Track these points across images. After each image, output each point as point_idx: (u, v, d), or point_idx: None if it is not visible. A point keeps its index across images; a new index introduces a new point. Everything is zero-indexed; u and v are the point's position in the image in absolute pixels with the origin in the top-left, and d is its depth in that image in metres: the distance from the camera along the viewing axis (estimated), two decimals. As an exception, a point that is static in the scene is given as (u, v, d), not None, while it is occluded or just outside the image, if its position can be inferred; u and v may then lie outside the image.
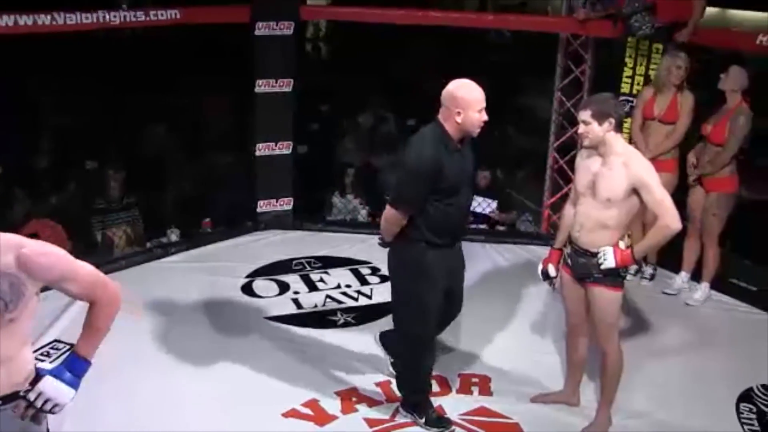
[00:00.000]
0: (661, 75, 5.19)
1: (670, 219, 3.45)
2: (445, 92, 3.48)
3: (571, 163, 5.85)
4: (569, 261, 3.72)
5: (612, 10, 5.59)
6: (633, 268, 3.56)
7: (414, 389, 3.89)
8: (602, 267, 3.53)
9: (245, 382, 4.18)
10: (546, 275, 3.88)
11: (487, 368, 4.36)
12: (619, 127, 3.54)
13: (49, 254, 2.29)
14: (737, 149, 4.89)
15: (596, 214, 3.54)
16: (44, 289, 2.34)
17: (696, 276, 5.33)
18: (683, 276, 5.37)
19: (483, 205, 6.40)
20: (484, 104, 3.45)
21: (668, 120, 5.16)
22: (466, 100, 3.42)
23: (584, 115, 3.50)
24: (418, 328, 3.73)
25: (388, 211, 3.58)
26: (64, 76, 7.18)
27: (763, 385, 4.30)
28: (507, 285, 5.37)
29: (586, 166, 3.61)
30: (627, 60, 5.65)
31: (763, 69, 5.78)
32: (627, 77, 5.68)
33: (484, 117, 3.46)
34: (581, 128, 3.53)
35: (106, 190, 5.96)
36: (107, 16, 5.18)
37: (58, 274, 2.31)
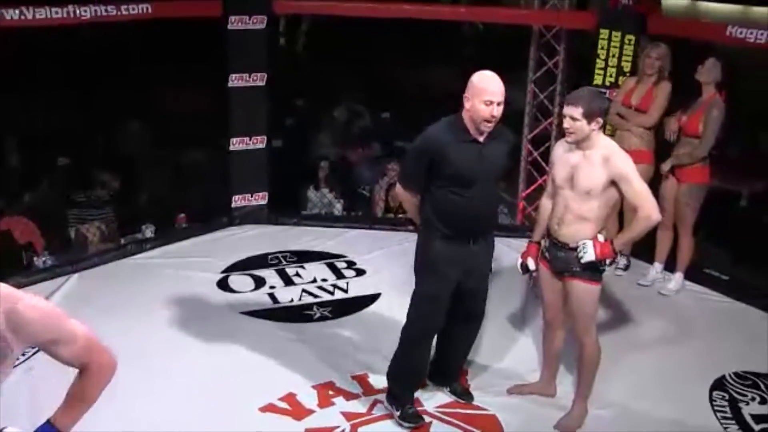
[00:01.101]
0: (640, 65, 5.26)
1: (649, 210, 3.48)
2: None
3: (545, 155, 5.91)
4: (547, 254, 3.73)
5: None
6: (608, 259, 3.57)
7: (397, 379, 3.88)
8: (582, 260, 3.54)
9: (221, 377, 4.16)
10: (525, 268, 3.88)
11: (464, 361, 4.37)
12: (603, 124, 3.55)
13: (43, 313, 2.02)
14: (713, 141, 4.93)
15: (575, 207, 3.55)
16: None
17: (669, 266, 5.39)
18: (657, 267, 5.42)
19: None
20: (495, 98, 3.37)
21: (643, 109, 5.21)
22: (475, 88, 3.40)
23: (574, 112, 3.46)
24: (416, 318, 3.73)
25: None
26: (35, 72, 7.11)
27: (735, 373, 4.36)
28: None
29: (565, 159, 3.60)
30: (599, 51, 5.67)
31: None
32: (600, 69, 5.70)
33: (494, 112, 3.38)
34: (567, 123, 3.50)
35: (95, 188, 5.92)
36: (77, 11, 5.11)
37: (51, 337, 2.05)
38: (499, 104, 3.40)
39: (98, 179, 6.13)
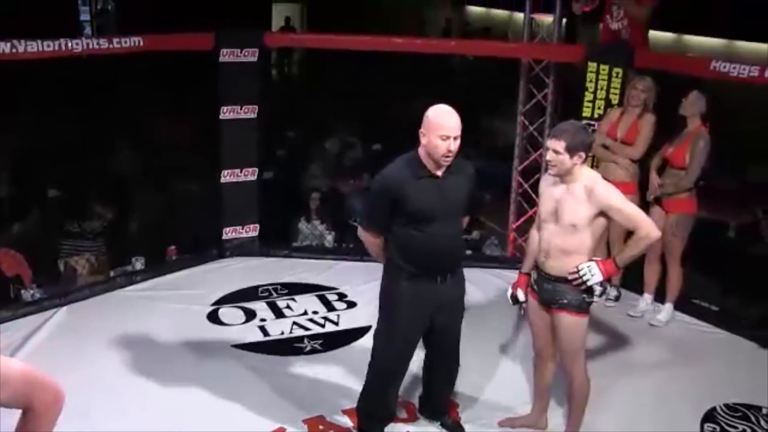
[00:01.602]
0: (625, 97, 5.33)
1: (647, 229, 3.50)
2: None
3: (535, 187, 5.93)
4: (535, 286, 3.74)
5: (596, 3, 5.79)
6: (598, 290, 3.57)
7: (367, 414, 3.87)
8: (590, 283, 3.51)
9: (212, 411, 4.13)
10: (515, 300, 3.88)
11: (455, 393, 4.34)
12: (587, 159, 3.55)
13: None
14: (699, 173, 4.98)
15: (560, 241, 3.56)
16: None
17: (659, 297, 5.40)
18: (647, 298, 5.43)
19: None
20: (451, 133, 3.35)
21: (629, 141, 5.27)
22: (431, 123, 3.37)
23: (557, 145, 3.48)
24: (384, 357, 3.70)
25: (359, 231, 3.67)
26: (28, 104, 7.13)
27: (725, 405, 4.36)
28: (474, 309, 5.36)
29: (550, 193, 3.62)
30: (588, 85, 5.73)
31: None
32: (588, 102, 5.75)
33: (450, 146, 3.36)
34: (551, 156, 3.52)
35: (88, 220, 5.90)
36: (69, 44, 5.14)
37: None
38: (455, 138, 3.37)
39: (93, 210, 6.08)
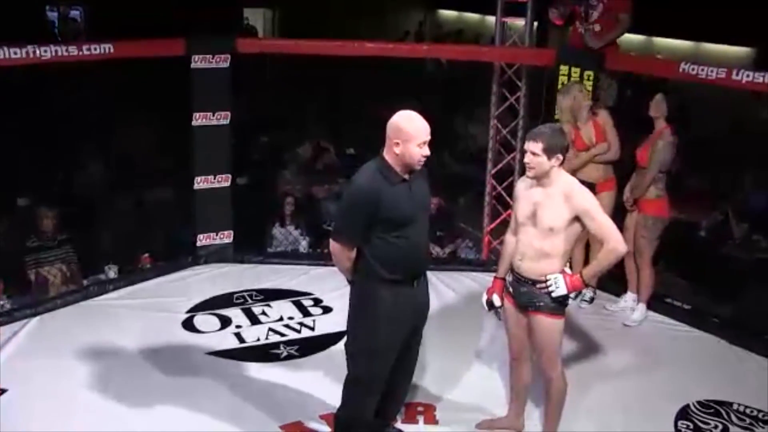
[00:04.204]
0: (572, 112, 5.38)
1: (615, 243, 3.52)
2: (388, 123, 3.41)
3: (509, 189, 5.98)
4: (511, 289, 3.75)
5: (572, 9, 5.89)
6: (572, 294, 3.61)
7: (346, 425, 3.79)
8: (554, 294, 3.55)
9: (187, 419, 4.10)
10: (491, 305, 3.89)
11: (432, 396, 4.37)
12: (563, 161, 3.57)
13: None
14: (656, 172, 5.06)
15: (538, 244, 3.58)
16: None
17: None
18: (629, 296, 5.49)
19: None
20: (426, 138, 3.37)
21: (601, 141, 5.36)
22: (406, 132, 3.36)
23: (534, 147, 3.51)
24: (366, 371, 3.62)
25: (331, 245, 3.54)
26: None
27: (699, 402, 4.42)
28: (449, 312, 5.40)
29: (527, 195, 3.63)
30: (560, 87, 5.77)
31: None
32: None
33: (426, 152, 3.38)
34: (528, 158, 3.54)
35: (39, 228, 5.80)
36: (38, 51, 5.08)
37: None
38: (429, 142, 3.40)
39: (39, 217, 5.93)
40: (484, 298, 3.91)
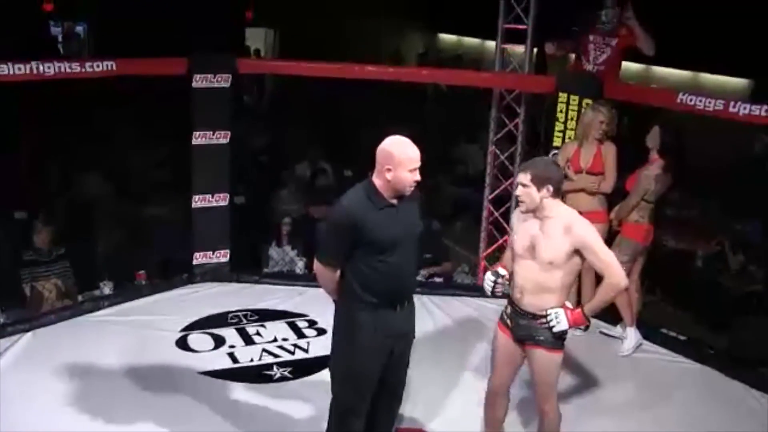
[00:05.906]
0: (585, 129, 5.40)
1: (617, 278, 3.49)
2: (378, 148, 3.41)
3: (506, 215, 5.99)
4: (509, 321, 3.69)
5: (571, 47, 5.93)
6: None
7: None
8: (555, 330, 3.51)
9: (178, 440, 4.07)
10: (496, 275, 3.77)
11: (420, 422, 4.34)
12: (557, 193, 3.55)
13: None
14: (637, 200, 5.10)
15: (537, 277, 3.53)
16: None
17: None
18: (620, 326, 5.45)
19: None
20: (417, 164, 3.37)
21: (595, 171, 5.36)
22: (397, 159, 3.35)
23: (523, 178, 3.50)
24: (346, 393, 3.59)
25: (315, 266, 3.55)
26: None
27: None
28: (443, 337, 5.38)
29: (524, 228, 3.59)
30: (558, 115, 5.80)
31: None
32: (559, 131, 5.83)
33: (417, 177, 3.38)
34: (519, 191, 3.53)
35: (36, 242, 5.79)
36: (41, 68, 5.12)
37: None
38: (419, 167, 3.40)
39: (36, 231, 5.93)
40: (488, 275, 3.81)
